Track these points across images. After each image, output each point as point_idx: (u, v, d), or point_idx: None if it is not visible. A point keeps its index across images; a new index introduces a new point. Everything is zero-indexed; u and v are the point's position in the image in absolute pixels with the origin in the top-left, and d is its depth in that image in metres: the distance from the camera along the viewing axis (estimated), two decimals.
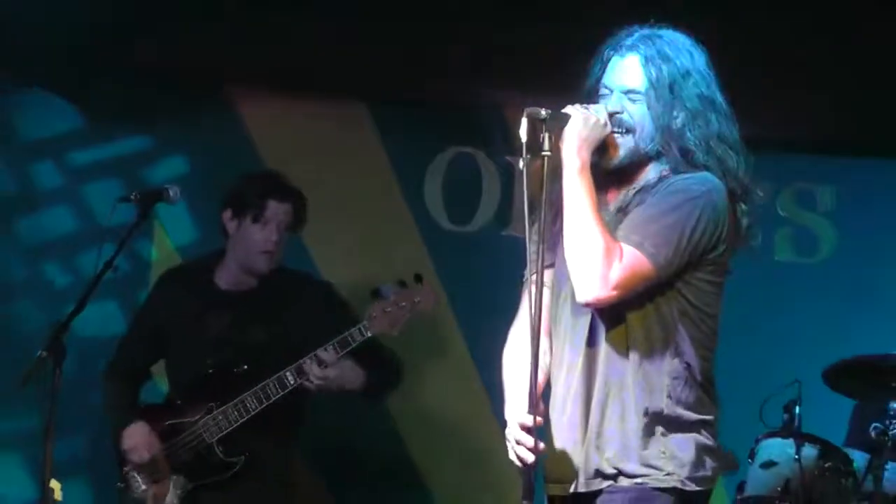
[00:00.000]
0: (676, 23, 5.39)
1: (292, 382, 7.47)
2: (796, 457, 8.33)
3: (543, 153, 5.07)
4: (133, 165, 9.42)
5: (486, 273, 8.78)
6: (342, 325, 7.57)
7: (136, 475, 7.70)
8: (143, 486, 7.73)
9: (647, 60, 5.26)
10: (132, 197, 7.28)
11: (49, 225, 9.36)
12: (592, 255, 5.06)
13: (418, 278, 7.29)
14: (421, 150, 9.81)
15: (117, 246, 7.06)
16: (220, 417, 7.54)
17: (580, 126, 5.13)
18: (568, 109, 5.15)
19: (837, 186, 10.20)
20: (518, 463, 5.14)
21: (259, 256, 7.79)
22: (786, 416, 8.47)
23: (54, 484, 6.97)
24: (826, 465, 8.38)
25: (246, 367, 7.58)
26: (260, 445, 7.62)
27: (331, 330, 7.57)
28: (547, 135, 5.07)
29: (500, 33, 8.10)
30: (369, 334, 7.40)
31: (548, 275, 5.35)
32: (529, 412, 5.10)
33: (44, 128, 9.43)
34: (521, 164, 5.10)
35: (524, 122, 5.07)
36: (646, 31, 5.33)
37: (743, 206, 5.28)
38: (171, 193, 7.23)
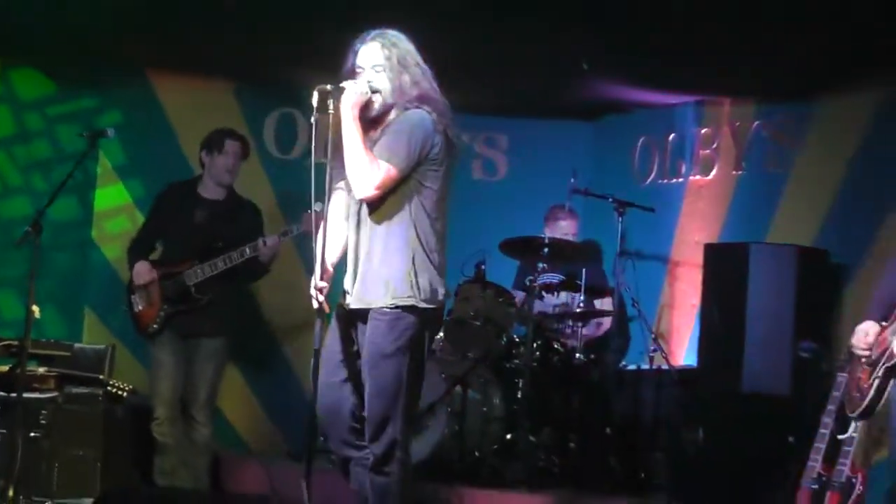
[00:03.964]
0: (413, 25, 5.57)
1: (248, 253, 7.63)
2: (482, 294, 8.58)
3: (330, 112, 5.28)
4: (88, 115, 9.34)
5: (300, 182, 8.82)
6: (261, 226, 7.92)
7: (136, 299, 7.79)
8: (140, 307, 7.80)
9: (382, 46, 5.40)
10: (85, 135, 7.35)
11: (35, 151, 9.28)
12: (362, 169, 5.25)
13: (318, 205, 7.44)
14: (262, 109, 9.87)
15: (74, 163, 7.17)
16: (198, 270, 7.65)
17: (350, 94, 5.29)
18: (344, 84, 5.32)
19: (509, 134, 10.49)
20: (314, 305, 5.36)
21: (224, 174, 7.93)
22: (476, 270, 8.68)
23: (35, 308, 7.02)
24: (499, 299, 8.62)
25: (221, 244, 7.69)
26: (218, 295, 7.73)
27: (258, 228, 7.89)
28: (332, 101, 5.28)
29: (309, 37, 8.12)
30: (304, 230, 7.53)
31: (345, 184, 5.43)
32: (320, 277, 5.35)
33: (32, 91, 9.33)
34: (313, 119, 5.32)
35: (315, 94, 5.28)
36: (378, 31, 5.46)
37: (449, 132, 5.40)
38: (108, 133, 7.30)
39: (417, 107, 5.39)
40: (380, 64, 5.41)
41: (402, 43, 5.47)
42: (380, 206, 5.37)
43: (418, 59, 5.48)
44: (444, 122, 5.41)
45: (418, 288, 5.32)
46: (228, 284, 7.83)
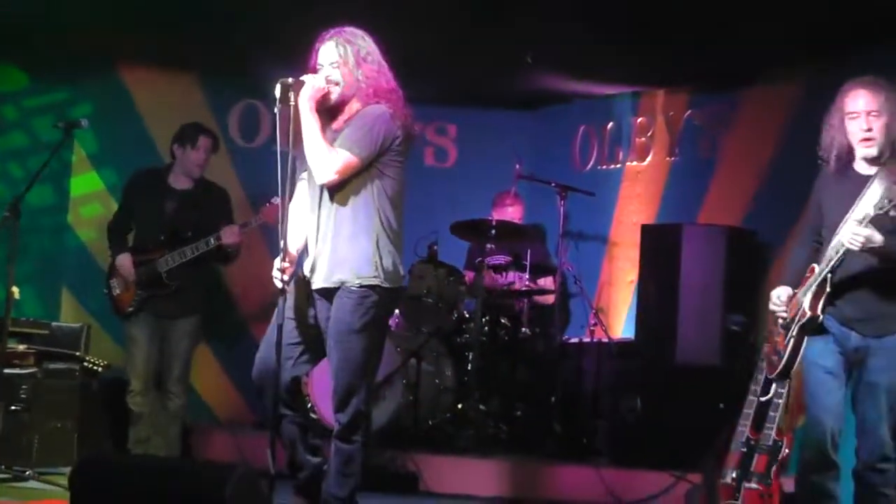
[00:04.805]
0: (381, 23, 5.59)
1: (213, 242, 7.56)
2: (434, 273, 8.61)
3: (290, 104, 5.28)
4: (61, 106, 9.25)
5: (263, 170, 8.81)
6: (230, 211, 7.81)
7: (114, 284, 7.75)
8: (118, 291, 7.75)
9: (337, 44, 5.40)
10: (60, 125, 7.30)
11: (12, 141, 9.20)
12: (321, 156, 5.27)
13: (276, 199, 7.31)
14: (227, 101, 9.80)
15: (50, 153, 7.13)
16: (169, 258, 7.58)
17: (308, 87, 5.30)
18: (303, 78, 5.33)
19: (459, 124, 10.46)
20: (278, 285, 5.35)
21: (195, 168, 7.83)
22: (428, 250, 8.71)
23: (14, 289, 6.99)
24: (451, 278, 8.66)
25: (190, 233, 7.63)
26: (188, 280, 7.68)
27: (227, 213, 7.79)
28: (292, 93, 5.28)
29: (271, 31, 8.12)
30: (262, 221, 7.55)
31: (307, 174, 5.45)
32: (282, 259, 5.36)
33: (8, 85, 9.26)
34: (276, 110, 5.32)
35: (278, 86, 5.28)
36: (336, 29, 5.46)
37: (408, 125, 5.41)
38: (82, 123, 7.24)
39: (377, 102, 5.40)
40: (335, 61, 5.41)
41: (358, 40, 5.46)
42: (346, 192, 5.37)
43: (375, 54, 5.47)
44: (403, 116, 5.43)
45: (382, 269, 5.33)
46: (197, 270, 7.77)
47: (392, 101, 5.42)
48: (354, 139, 5.32)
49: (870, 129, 5.38)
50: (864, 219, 5.16)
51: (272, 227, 6.63)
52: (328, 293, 5.42)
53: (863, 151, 5.42)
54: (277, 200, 5.32)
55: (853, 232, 5.18)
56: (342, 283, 5.35)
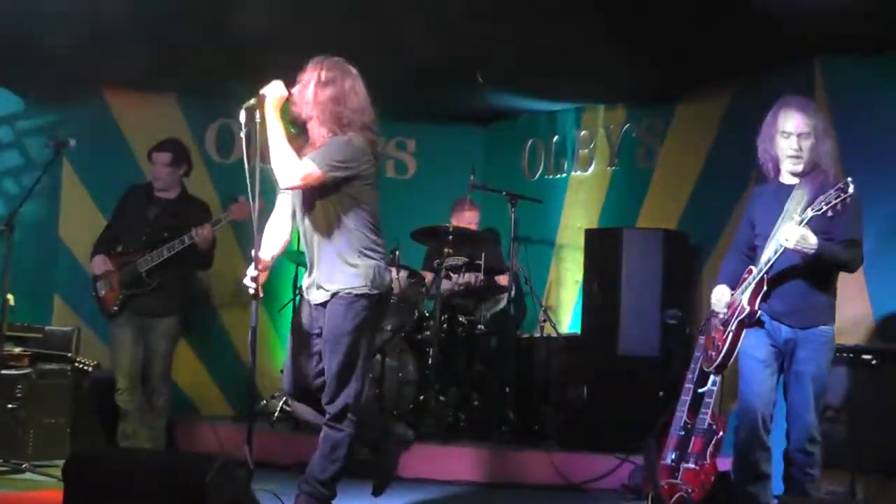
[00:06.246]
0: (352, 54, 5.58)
1: (187, 241, 7.45)
2: (397, 277, 8.52)
3: (257, 122, 5.28)
4: (51, 127, 9.18)
5: (238, 184, 8.74)
6: (209, 219, 7.58)
7: (100, 286, 7.64)
8: (103, 292, 7.64)
9: (313, 68, 5.44)
10: (50, 144, 7.25)
11: (7, 160, 9.12)
12: (285, 162, 5.29)
13: (242, 196, 7.20)
14: (203, 120, 9.73)
15: (42, 170, 7.07)
16: (148, 258, 7.48)
17: (270, 97, 5.31)
18: (262, 91, 5.33)
19: (417, 139, 10.43)
20: (250, 291, 5.41)
21: (157, 181, 7.75)
22: (391, 255, 8.60)
23: (9, 296, 6.94)
24: (412, 280, 8.61)
25: (166, 234, 7.54)
26: (167, 279, 7.58)
27: (205, 221, 7.56)
28: (258, 112, 5.27)
29: (244, 59, 8.08)
30: (231, 218, 7.49)
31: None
32: (255, 267, 5.39)
33: (3, 108, 9.20)
34: (242, 135, 5.30)
35: (242, 112, 5.29)
36: (316, 60, 5.47)
37: (376, 147, 5.50)
38: (71, 143, 7.20)
39: (344, 127, 5.41)
40: (312, 82, 5.42)
41: (334, 67, 5.47)
42: (327, 219, 5.44)
43: (353, 81, 5.48)
44: (371, 139, 5.47)
45: (367, 277, 5.42)
46: (175, 270, 7.67)
47: (357, 126, 5.43)
48: (320, 155, 5.34)
49: (799, 149, 5.45)
50: (802, 220, 5.21)
51: (242, 224, 6.54)
52: (325, 304, 5.49)
53: (790, 167, 5.50)
54: (243, 198, 5.30)
55: (791, 231, 5.21)
56: (336, 293, 5.42)
